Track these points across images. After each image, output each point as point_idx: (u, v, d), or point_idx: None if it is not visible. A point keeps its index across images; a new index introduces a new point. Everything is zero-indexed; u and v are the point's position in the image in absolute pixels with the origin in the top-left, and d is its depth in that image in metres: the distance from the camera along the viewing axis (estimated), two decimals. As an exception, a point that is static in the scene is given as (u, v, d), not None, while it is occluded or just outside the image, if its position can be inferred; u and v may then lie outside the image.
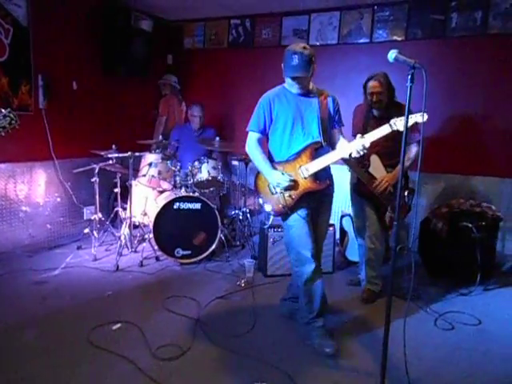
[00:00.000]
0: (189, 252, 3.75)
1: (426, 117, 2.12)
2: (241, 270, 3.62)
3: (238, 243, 4.28)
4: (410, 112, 2.01)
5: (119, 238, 3.85)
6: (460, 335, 2.68)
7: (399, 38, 4.27)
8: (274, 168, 2.49)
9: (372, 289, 3.14)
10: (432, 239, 3.60)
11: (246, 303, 3.05)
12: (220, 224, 3.82)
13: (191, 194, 3.82)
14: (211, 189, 4.04)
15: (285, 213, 2.48)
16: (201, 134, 4.55)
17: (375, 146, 2.93)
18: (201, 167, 3.94)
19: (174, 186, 3.99)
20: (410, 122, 2.11)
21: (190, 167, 3.97)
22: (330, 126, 2.54)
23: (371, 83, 2.97)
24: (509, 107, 3.90)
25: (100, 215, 3.99)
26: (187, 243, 3.75)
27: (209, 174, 3.92)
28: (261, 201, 2.60)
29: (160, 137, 4.26)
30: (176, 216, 3.72)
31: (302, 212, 2.46)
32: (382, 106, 2.98)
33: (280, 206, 2.47)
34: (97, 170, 3.86)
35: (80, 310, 2.84)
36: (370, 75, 3.02)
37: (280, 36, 4.88)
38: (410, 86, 1.81)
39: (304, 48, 2.36)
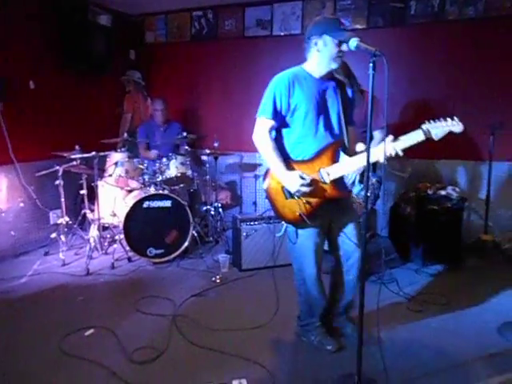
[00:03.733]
0: (161, 251, 3.69)
1: (461, 126, 1.93)
2: (215, 265, 3.60)
3: (211, 239, 4.24)
4: (375, 98, 2.00)
5: (88, 240, 3.74)
6: (431, 316, 2.76)
7: (361, 27, 4.31)
8: (290, 167, 2.12)
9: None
10: (401, 224, 3.69)
11: (223, 299, 3.03)
12: (192, 220, 3.77)
13: (160, 191, 3.75)
14: (181, 185, 3.99)
15: (301, 221, 2.14)
16: (166, 128, 4.47)
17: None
18: (169, 164, 3.87)
19: (143, 185, 3.90)
20: (445, 131, 1.95)
21: (157, 164, 3.89)
22: (347, 122, 2.23)
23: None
24: (466, 93, 4.01)
25: (67, 218, 3.86)
26: (159, 242, 3.68)
27: (177, 170, 3.85)
28: (268, 200, 2.23)
29: (125, 135, 4.15)
30: (146, 215, 3.65)
31: (318, 222, 2.18)
32: None
33: (296, 213, 2.13)
34: (60, 173, 3.73)
35: (50, 317, 2.75)
36: None
37: (243, 27, 4.82)
38: (373, 74, 1.82)
39: None
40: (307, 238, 2.23)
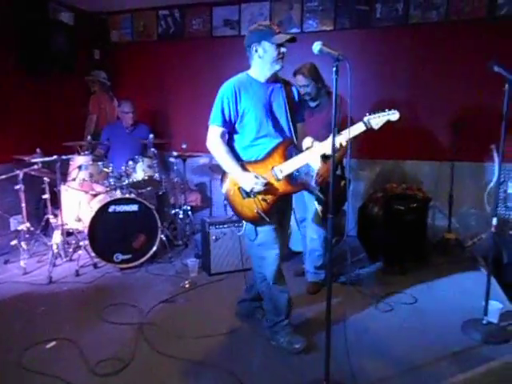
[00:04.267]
0: (129, 256, 3.59)
1: (397, 115, 2.12)
2: (185, 270, 3.53)
3: (180, 242, 4.17)
4: (341, 99, 2.01)
5: (51, 247, 3.60)
6: (399, 315, 2.81)
7: (328, 28, 4.34)
8: (244, 168, 2.24)
9: (316, 281, 3.19)
10: (369, 223, 3.74)
11: (193, 305, 2.97)
12: (160, 224, 3.69)
13: (127, 195, 3.65)
14: (148, 188, 3.90)
15: (260, 218, 2.23)
16: (133, 130, 4.37)
17: (315, 136, 2.97)
18: (135, 167, 3.77)
19: (109, 189, 3.79)
20: (383, 120, 2.11)
21: (123, 167, 3.79)
22: (295, 120, 2.36)
23: (296, 77, 3.01)
24: (430, 94, 4.11)
25: (28, 224, 3.70)
26: (127, 247, 3.58)
27: (144, 173, 3.77)
28: (226, 202, 2.33)
29: (89, 137, 4.02)
30: (112, 220, 3.54)
31: (273, 217, 2.27)
32: (312, 96, 3.02)
33: (255, 211, 2.22)
34: (21, 177, 3.57)
35: (10, 329, 2.62)
36: (295, 68, 3.03)
37: (211, 27, 4.77)
38: (336, 79, 1.82)
39: None
40: (265, 234, 2.30)
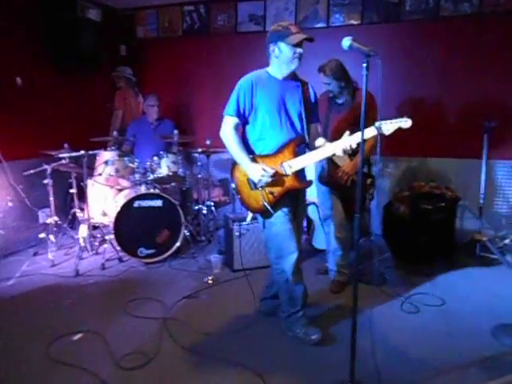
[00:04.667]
0: (153, 251, 3.63)
1: (409, 122, 2.13)
2: (208, 266, 3.55)
3: (203, 238, 4.19)
4: (371, 97, 1.97)
5: (78, 240, 3.68)
6: (425, 317, 2.74)
7: (355, 22, 4.25)
8: (254, 161, 2.30)
9: (340, 280, 3.15)
10: (395, 223, 3.66)
11: (215, 301, 2.98)
12: (183, 220, 3.71)
13: (151, 190, 3.69)
14: (172, 184, 3.92)
15: (265, 210, 2.30)
16: (158, 125, 4.40)
17: (337, 132, 2.92)
18: (160, 162, 3.80)
19: (134, 184, 3.83)
20: (395, 127, 2.13)
21: (148, 163, 3.82)
22: (309, 120, 2.41)
23: (320, 75, 2.95)
24: (461, 89, 3.98)
25: (56, 218, 3.79)
26: (150, 242, 3.63)
27: (169, 169, 3.79)
28: (235, 192, 2.41)
29: (115, 133, 4.07)
30: (137, 214, 3.59)
31: (285, 209, 2.33)
32: (335, 94, 2.97)
33: (260, 203, 2.29)
34: (49, 171, 3.65)
35: (38, 321, 2.69)
36: (319, 65, 2.98)
37: (236, 22, 4.74)
38: (366, 75, 1.77)
39: None
40: (281, 224, 2.34)
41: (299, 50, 2.23)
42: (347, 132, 2.24)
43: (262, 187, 2.27)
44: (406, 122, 2.13)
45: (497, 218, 3.99)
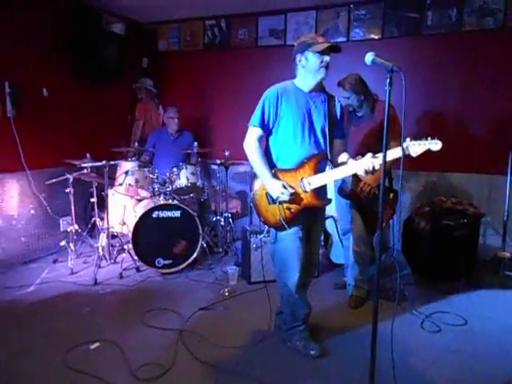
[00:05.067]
0: (170, 261, 3.65)
1: (439, 145, 2.04)
2: (224, 277, 3.54)
3: (220, 250, 4.19)
4: (393, 111, 1.91)
5: (97, 249, 3.72)
6: (447, 337, 2.66)
7: (376, 37, 4.25)
8: (275, 175, 2.27)
9: (359, 295, 3.10)
10: (415, 238, 3.59)
11: (231, 314, 2.97)
12: (201, 231, 3.72)
13: (170, 201, 3.72)
14: (191, 195, 3.95)
15: (281, 226, 2.28)
16: (178, 137, 4.45)
17: (358, 145, 2.91)
18: (179, 173, 3.84)
19: (153, 194, 3.87)
20: (423, 149, 2.05)
21: (168, 174, 3.86)
22: (333, 135, 2.38)
23: (340, 89, 2.95)
24: (484, 103, 3.92)
25: (76, 226, 3.85)
26: (168, 252, 3.64)
27: (187, 180, 3.82)
28: (252, 204, 2.38)
29: (136, 144, 4.14)
30: (155, 225, 3.62)
31: (298, 226, 2.31)
32: (354, 108, 2.96)
33: (277, 218, 2.27)
34: (71, 180, 3.72)
35: (56, 328, 2.71)
36: (339, 80, 2.98)
37: (256, 36, 4.80)
38: (389, 90, 1.76)
39: None
40: (289, 242, 2.33)
41: (326, 58, 2.20)
42: (369, 154, 2.17)
43: (279, 203, 2.25)
44: (436, 145, 2.05)
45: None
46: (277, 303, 2.76)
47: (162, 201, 3.72)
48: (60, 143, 4.27)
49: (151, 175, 3.86)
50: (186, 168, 3.86)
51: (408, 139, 2.08)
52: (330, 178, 2.31)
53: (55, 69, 4.24)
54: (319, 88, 2.33)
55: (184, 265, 3.69)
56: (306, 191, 2.26)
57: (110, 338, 2.57)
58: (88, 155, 3.77)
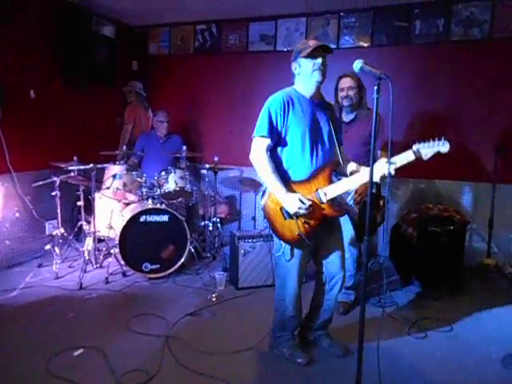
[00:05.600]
0: (157, 266, 3.61)
1: (447, 147, 2.01)
2: (212, 283, 3.51)
3: (208, 255, 4.16)
4: (381, 120, 1.94)
5: (83, 253, 3.67)
6: (432, 343, 2.68)
7: (365, 44, 4.29)
8: (288, 188, 2.14)
9: (346, 301, 3.10)
10: (403, 245, 3.61)
11: (218, 320, 2.94)
12: (189, 236, 3.70)
13: (158, 205, 3.69)
14: (179, 200, 3.93)
15: (301, 241, 2.16)
16: (166, 141, 4.43)
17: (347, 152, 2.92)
18: (168, 177, 3.81)
19: (141, 198, 3.84)
20: (433, 151, 2.02)
21: (156, 178, 3.83)
22: (339, 143, 2.32)
23: (343, 79, 2.98)
24: (470, 112, 3.98)
25: (62, 230, 3.79)
26: (155, 257, 3.61)
27: (176, 184, 3.80)
28: (267, 222, 2.25)
29: (124, 147, 4.10)
30: (143, 229, 3.58)
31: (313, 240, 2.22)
32: (352, 103, 2.97)
33: (296, 234, 2.15)
34: (58, 183, 3.67)
35: (39, 334, 2.66)
36: (342, 73, 3.01)
37: (247, 41, 4.81)
38: (377, 98, 1.77)
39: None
40: (295, 258, 2.27)
41: (318, 60, 2.12)
42: (383, 159, 2.13)
43: (297, 217, 2.13)
44: (444, 146, 2.01)
45: (506, 243, 3.93)
46: (265, 309, 2.76)
47: (149, 205, 3.68)
48: (47, 145, 4.21)
49: (139, 179, 3.82)
50: (175, 172, 3.84)
51: (417, 142, 2.04)
52: (346, 186, 2.17)
53: (44, 70, 4.19)
54: (319, 96, 2.29)
55: (171, 270, 3.65)
56: (322, 202, 2.15)
57: (95, 344, 2.52)
58: (75, 158, 3.72)
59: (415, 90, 4.15)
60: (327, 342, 2.54)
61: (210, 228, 4.20)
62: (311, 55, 2.12)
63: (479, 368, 2.41)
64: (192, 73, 5.11)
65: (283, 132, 2.19)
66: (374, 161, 1.87)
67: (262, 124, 2.18)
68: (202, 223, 4.30)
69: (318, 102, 2.27)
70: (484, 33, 3.84)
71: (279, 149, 2.24)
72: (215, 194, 4.36)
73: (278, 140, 2.21)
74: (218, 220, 4.26)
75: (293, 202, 2.08)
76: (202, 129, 5.12)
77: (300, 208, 2.07)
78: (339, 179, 2.26)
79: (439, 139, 2.03)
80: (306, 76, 2.19)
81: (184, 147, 4.07)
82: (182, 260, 3.69)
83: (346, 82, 2.97)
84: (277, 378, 2.31)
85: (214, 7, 4.43)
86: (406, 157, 2.06)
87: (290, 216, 2.14)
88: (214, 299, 3.22)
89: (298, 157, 2.20)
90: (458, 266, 3.52)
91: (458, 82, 4.01)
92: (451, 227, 3.47)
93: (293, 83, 2.30)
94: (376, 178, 2.06)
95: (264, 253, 3.45)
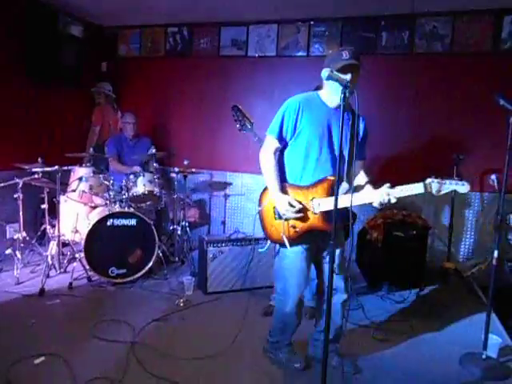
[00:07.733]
0: (124, 271, 3.54)
1: (467, 188, 1.91)
2: (180, 288, 3.48)
3: (177, 259, 4.13)
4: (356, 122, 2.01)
5: (46, 257, 3.55)
6: (395, 344, 2.75)
7: (334, 53, 4.39)
8: (284, 190, 2.18)
9: (314, 306, 3.13)
10: (368, 249, 3.71)
11: (187, 325, 2.91)
12: (157, 240, 3.66)
13: (126, 209, 3.63)
14: (147, 203, 3.88)
15: (283, 243, 2.18)
16: (136, 143, 4.37)
17: None
18: (136, 181, 3.76)
19: (108, 202, 3.76)
20: (449, 189, 1.94)
21: (124, 181, 3.77)
22: (354, 157, 2.10)
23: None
24: (432, 123, 4.15)
25: (24, 234, 3.66)
26: (122, 261, 3.54)
27: (145, 187, 3.75)
28: (259, 216, 2.29)
29: (91, 150, 4.01)
30: (110, 233, 3.51)
31: (304, 246, 2.21)
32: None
33: (281, 234, 2.16)
34: (20, 185, 3.55)
35: (-2, 343, 2.56)
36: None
37: (219, 46, 4.82)
38: (344, 105, 1.82)
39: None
40: (294, 261, 2.25)
41: (346, 76, 1.94)
42: (387, 184, 2.09)
43: (286, 219, 2.15)
44: (463, 186, 1.91)
45: (465, 247, 4.10)
46: (233, 314, 2.76)
47: (117, 208, 3.62)
48: (10, 146, 4.07)
49: (106, 182, 3.75)
50: (144, 175, 3.79)
51: (432, 177, 1.97)
52: (341, 204, 1.98)
53: (6, 69, 4.05)
54: (347, 107, 2.12)
55: (139, 274, 3.59)
56: (314, 212, 2.14)
57: (57, 351, 2.45)
58: (40, 159, 3.62)
59: (380, 100, 4.28)
60: (335, 360, 2.42)
61: (179, 232, 4.16)
62: (340, 70, 1.99)
63: (439, 366, 2.50)
64: (163, 76, 5.08)
65: (293, 136, 2.19)
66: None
67: (274, 124, 2.20)
68: (171, 227, 4.25)
69: (339, 112, 1.95)
70: (445, 47, 4.02)
71: (287, 150, 2.25)
72: (185, 198, 4.33)
73: (287, 143, 2.22)
74: (187, 224, 4.23)
75: (282, 203, 2.12)
76: (172, 131, 5.09)
77: (287, 210, 2.10)
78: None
79: (459, 179, 1.94)
80: (331, 87, 2.08)
81: (152, 148, 4.02)
82: (150, 264, 3.63)
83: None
84: (244, 380, 2.31)
85: (185, 10, 4.41)
86: (413, 189, 2.03)
87: (280, 216, 2.18)
88: (181, 304, 3.19)
89: (302, 163, 2.19)
90: (421, 269, 3.65)
91: (421, 92, 4.17)
92: (414, 232, 3.60)
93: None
94: (375, 204, 2.07)
95: (233, 257, 3.45)
